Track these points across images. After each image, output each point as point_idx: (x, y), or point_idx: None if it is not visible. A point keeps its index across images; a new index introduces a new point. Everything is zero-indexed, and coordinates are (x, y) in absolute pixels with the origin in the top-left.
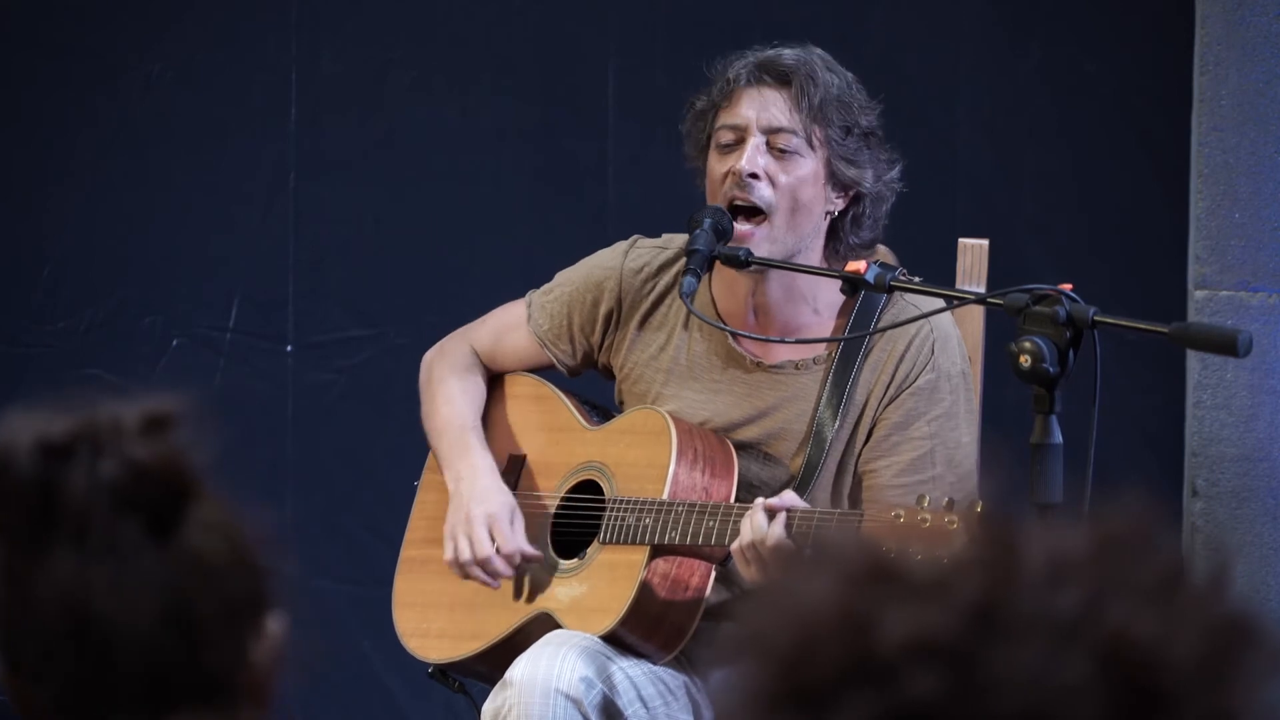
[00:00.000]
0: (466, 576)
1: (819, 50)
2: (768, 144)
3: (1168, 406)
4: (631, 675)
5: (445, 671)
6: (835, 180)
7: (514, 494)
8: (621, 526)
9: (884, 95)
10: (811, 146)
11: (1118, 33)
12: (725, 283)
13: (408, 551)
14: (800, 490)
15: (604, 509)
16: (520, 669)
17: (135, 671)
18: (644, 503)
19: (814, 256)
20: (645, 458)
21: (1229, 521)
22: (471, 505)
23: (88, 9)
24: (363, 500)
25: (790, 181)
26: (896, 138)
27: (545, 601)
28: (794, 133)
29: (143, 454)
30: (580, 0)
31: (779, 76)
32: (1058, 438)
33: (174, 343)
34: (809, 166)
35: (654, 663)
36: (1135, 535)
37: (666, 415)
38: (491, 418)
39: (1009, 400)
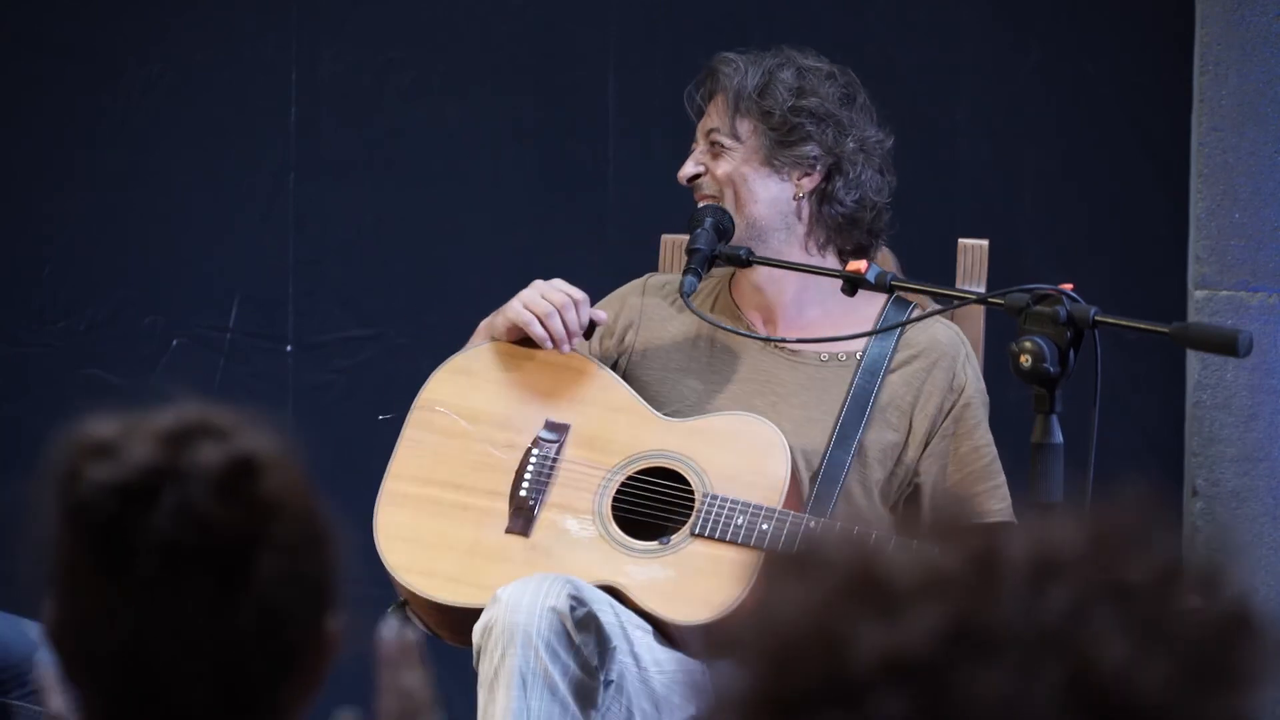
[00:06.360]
0: (544, 332)
1: (789, 49)
2: (710, 142)
3: (1168, 406)
4: (630, 633)
5: (407, 614)
6: (774, 162)
7: (554, 458)
8: (727, 524)
9: (884, 95)
10: (737, 138)
11: (1118, 33)
12: (742, 295)
13: (398, 485)
14: (828, 484)
15: (687, 501)
16: (510, 587)
17: (179, 703)
18: (759, 508)
19: (796, 247)
20: (750, 463)
21: (1229, 522)
22: (533, 283)
23: (88, 9)
24: (362, 500)
25: (724, 171)
26: (897, 138)
27: (612, 575)
28: (719, 129)
29: (220, 512)
30: (580, 0)
31: (712, 85)
32: (1058, 438)
33: (174, 343)
34: (736, 156)
35: (706, 660)
36: (1132, 529)
37: (775, 428)
38: (527, 379)
39: (1009, 400)
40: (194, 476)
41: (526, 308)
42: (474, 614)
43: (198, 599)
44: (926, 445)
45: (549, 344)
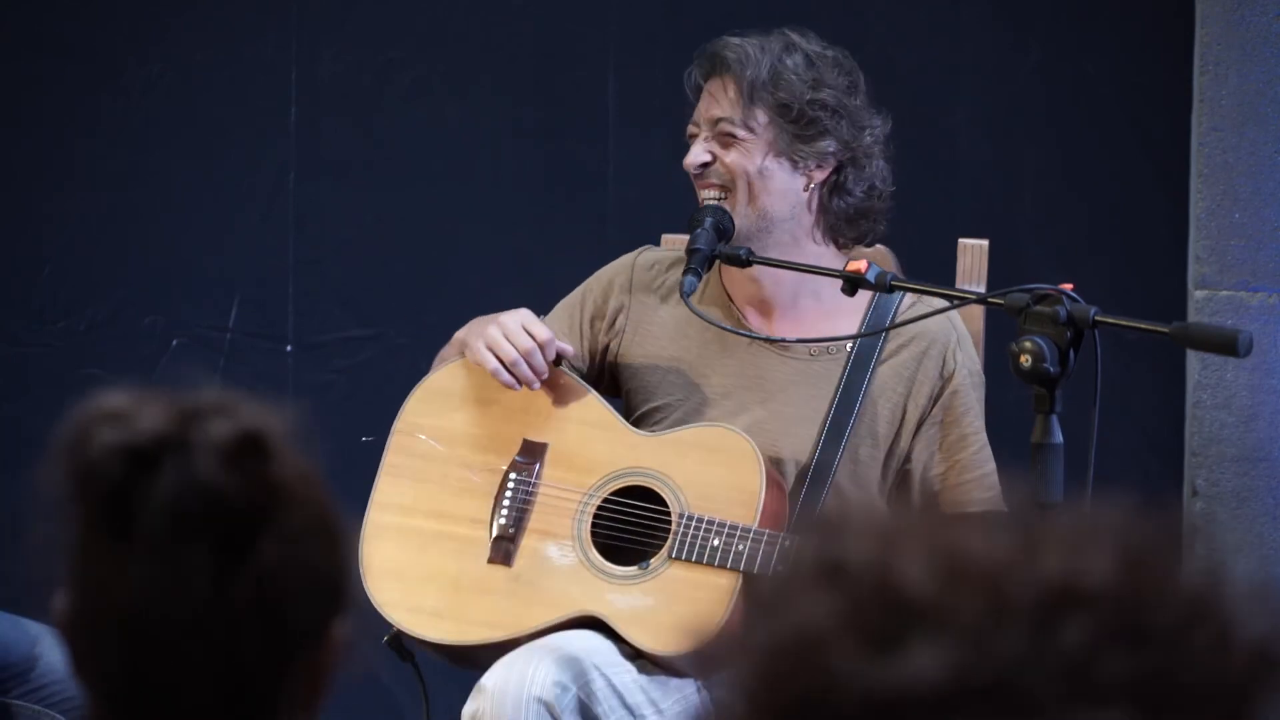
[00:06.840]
0: (511, 379)
1: (789, 32)
2: (718, 131)
3: (1168, 406)
4: (616, 682)
5: (401, 642)
6: (792, 157)
7: (533, 481)
8: (704, 547)
9: (884, 95)
10: (751, 130)
11: (1118, 33)
12: (734, 283)
13: (383, 516)
14: (818, 481)
15: (664, 521)
16: (494, 676)
17: (181, 688)
18: (735, 528)
19: (802, 238)
20: (725, 478)
21: (1229, 522)
22: (497, 316)
23: (88, 9)
24: (362, 501)
25: (737, 162)
26: (897, 138)
27: (595, 605)
28: (730, 119)
29: (225, 482)
30: (580, 1)
31: (715, 68)
32: (1058, 438)
33: (174, 343)
34: (751, 148)
35: (697, 679)
36: (1164, 557)
37: (749, 438)
38: (504, 397)
39: (1009, 400)
40: (202, 446)
41: (491, 350)
42: (462, 648)
43: (197, 567)
44: (917, 431)
45: (516, 388)
